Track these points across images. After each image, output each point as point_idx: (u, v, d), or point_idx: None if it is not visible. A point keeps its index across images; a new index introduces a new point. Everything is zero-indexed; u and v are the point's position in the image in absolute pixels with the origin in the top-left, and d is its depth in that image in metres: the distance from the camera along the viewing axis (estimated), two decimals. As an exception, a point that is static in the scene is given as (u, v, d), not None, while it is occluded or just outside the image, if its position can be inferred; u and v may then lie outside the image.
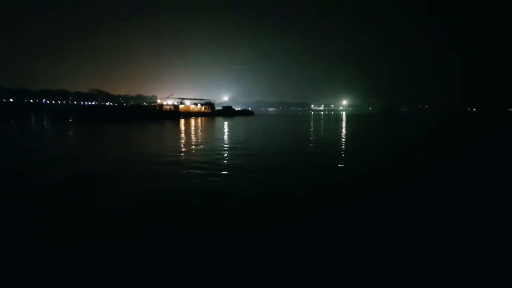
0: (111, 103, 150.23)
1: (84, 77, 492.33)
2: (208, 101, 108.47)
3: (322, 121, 71.65)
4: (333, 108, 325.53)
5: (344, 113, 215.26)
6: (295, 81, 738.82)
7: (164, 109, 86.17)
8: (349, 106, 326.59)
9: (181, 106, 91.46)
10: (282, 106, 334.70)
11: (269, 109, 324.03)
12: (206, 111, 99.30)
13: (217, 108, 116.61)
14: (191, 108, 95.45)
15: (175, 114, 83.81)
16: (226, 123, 56.78)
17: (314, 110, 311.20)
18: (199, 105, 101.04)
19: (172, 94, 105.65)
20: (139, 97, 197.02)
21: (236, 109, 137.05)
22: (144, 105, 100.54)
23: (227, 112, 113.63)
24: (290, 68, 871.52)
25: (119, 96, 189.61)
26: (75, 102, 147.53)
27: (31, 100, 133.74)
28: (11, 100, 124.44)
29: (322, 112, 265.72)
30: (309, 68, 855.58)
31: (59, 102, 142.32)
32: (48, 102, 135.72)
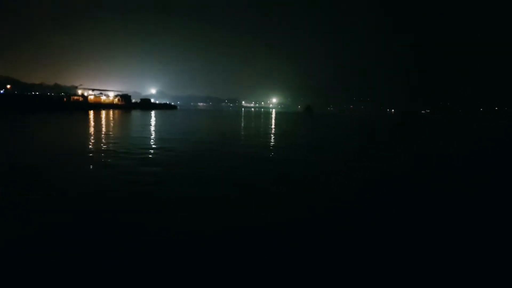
0: (25, 92, 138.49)
1: None
2: (124, 93, 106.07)
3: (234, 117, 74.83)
4: (263, 105, 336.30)
5: (273, 110, 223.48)
6: (227, 77, 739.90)
7: (72, 99, 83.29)
8: (278, 104, 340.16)
9: (91, 98, 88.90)
10: (213, 101, 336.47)
11: (199, 104, 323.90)
12: (119, 103, 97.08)
13: (135, 100, 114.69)
14: (102, 100, 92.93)
15: (84, 105, 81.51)
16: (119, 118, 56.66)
17: (245, 107, 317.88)
18: (111, 97, 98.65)
19: (81, 84, 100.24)
20: (57, 86, 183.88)
21: (157, 102, 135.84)
22: (46, 94, 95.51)
23: (145, 105, 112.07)
24: (222, 63, 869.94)
25: (34, 84, 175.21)
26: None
27: None
28: None
29: (252, 109, 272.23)
30: (241, 64, 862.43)
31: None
32: None
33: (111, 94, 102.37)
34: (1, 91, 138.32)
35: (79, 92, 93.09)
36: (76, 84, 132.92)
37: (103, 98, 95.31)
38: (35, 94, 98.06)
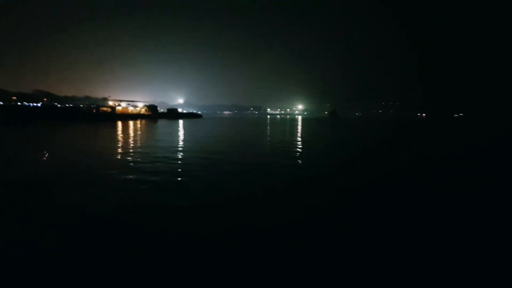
0: (57, 104, 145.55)
1: (27, 78, 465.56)
2: (151, 103, 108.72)
3: (267, 125, 74.40)
4: (289, 112, 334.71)
5: (299, 117, 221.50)
6: (252, 85, 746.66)
7: (101, 111, 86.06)
8: (304, 110, 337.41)
9: (119, 108, 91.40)
10: (238, 109, 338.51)
11: (224, 112, 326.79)
12: (146, 113, 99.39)
13: (162, 110, 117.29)
14: (129, 110, 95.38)
15: (112, 116, 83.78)
16: (156, 126, 57.90)
17: (270, 114, 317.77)
18: (138, 107, 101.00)
19: (110, 96, 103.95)
20: (88, 98, 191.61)
21: (183, 112, 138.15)
22: (76, 106, 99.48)
23: (171, 114, 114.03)
24: (247, 72, 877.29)
25: (66, 97, 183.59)
26: (18, 104, 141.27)
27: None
28: None
29: (278, 116, 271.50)
30: (266, 72, 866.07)
31: (1, 103, 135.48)
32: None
33: (140, 105, 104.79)
34: (39, 104, 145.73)
35: (110, 103, 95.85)
36: (105, 96, 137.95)
37: (131, 108, 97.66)
38: (68, 106, 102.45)
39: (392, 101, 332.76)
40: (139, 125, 57.34)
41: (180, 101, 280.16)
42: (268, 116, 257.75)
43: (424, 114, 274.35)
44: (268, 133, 41.32)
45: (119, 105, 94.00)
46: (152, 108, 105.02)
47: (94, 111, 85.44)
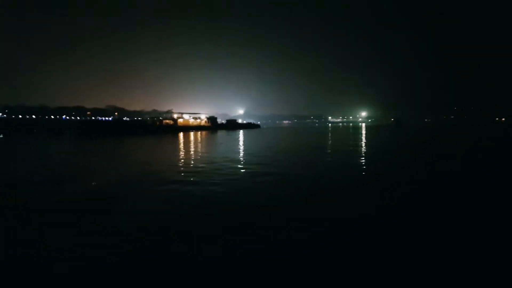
0: (127, 118, 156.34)
1: (101, 94, 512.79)
2: (211, 115, 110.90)
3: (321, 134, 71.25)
4: (351, 119, 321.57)
5: (363, 124, 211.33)
6: (312, 93, 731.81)
7: (164, 123, 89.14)
8: (368, 117, 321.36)
9: (180, 121, 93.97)
10: (298, 119, 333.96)
11: (284, 121, 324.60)
12: (206, 124, 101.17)
13: (221, 121, 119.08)
14: (190, 122, 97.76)
15: (174, 128, 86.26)
16: (214, 136, 57.90)
17: (332, 122, 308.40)
18: (199, 120, 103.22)
19: (171, 109, 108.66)
20: (154, 112, 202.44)
21: (242, 122, 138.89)
22: (143, 120, 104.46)
23: (230, 125, 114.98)
24: (308, 81, 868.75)
25: (135, 111, 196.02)
26: (93, 118, 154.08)
27: (52, 117, 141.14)
28: (33, 116, 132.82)
29: (340, 124, 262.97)
30: (326, 80, 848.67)
31: (78, 117, 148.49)
32: (68, 118, 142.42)
33: (202, 117, 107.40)
34: (110, 118, 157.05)
35: (175, 116, 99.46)
36: (170, 109, 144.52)
37: (191, 120, 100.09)
38: (135, 120, 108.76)
39: (465, 105, 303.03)
40: (199, 136, 58.37)
41: (241, 112, 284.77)
42: (329, 124, 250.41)
43: (503, 119, 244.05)
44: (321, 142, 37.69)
45: (181, 117, 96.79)
46: (212, 119, 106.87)
47: (158, 123, 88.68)
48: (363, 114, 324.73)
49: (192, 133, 73.76)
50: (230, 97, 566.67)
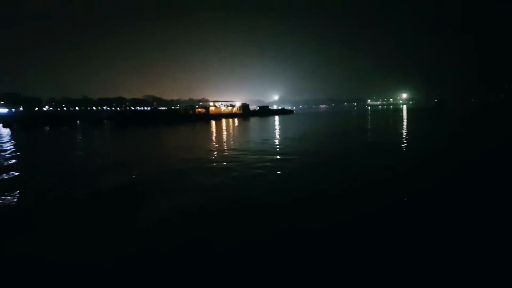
0: (164, 107, 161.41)
1: (139, 85, 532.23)
2: (243, 102, 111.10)
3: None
4: (391, 102, 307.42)
5: (404, 107, 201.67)
6: (350, 76, 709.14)
7: (196, 112, 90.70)
8: (409, 99, 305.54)
9: (212, 109, 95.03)
10: (335, 103, 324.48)
11: (321, 106, 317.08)
12: (237, 112, 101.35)
13: (253, 108, 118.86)
14: (222, 110, 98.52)
15: (206, 116, 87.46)
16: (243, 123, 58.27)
17: (370, 105, 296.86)
18: (230, 107, 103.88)
19: (206, 97, 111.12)
20: (190, 100, 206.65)
21: (276, 108, 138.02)
22: (176, 109, 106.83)
23: (262, 112, 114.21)
24: (345, 63, 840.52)
25: (173, 100, 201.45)
26: (132, 108, 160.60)
27: (94, 108, 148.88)
28: (77, 108, 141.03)
29: (379, 107, 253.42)
30: (364, 62, 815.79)
31: (118, 108, 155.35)
32: (108, 108, 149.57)
33: (237, 104, 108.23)
34: (149, 108, 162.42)
35: (210, 103, 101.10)
36: (205, 97, 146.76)
37: (223, 108, 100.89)
38: (169, 109, 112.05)
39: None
40: (230, 124, 59.89)
41: (275, 97, 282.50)
42: (369, 108, 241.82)
43: None
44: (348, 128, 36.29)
45: (213, 105, 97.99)
46: (243, 106, 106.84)
47: (191, 112, 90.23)
48: (404, 96, 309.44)
49: (224, 121, 74.43)
50: (265, 84, 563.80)
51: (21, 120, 78.29)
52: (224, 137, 30.30)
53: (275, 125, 48.39)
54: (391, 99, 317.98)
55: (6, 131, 51.82)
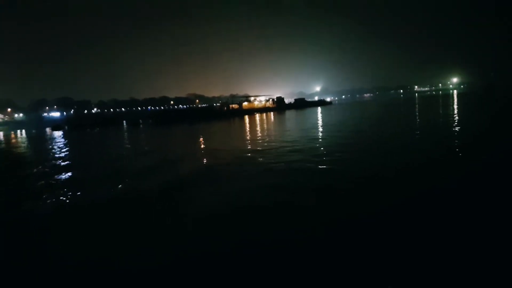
0: (206, 104, 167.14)
1: (182, 84, 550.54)
2: (278, 96, 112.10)
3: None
4: (441, 87, 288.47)
5: (455, 92, 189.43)
6: (395, 63, 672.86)
7: (230, 108, 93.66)
8: (460, 83, 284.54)
9: (245, 104, 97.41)
10: (381, 91, 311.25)
11: (365, 95, 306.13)
12: (271, 106, 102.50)
13: (289, 101, 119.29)
14: (255, 105, 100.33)
15: (239, 112, 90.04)
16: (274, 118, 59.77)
17: (418, 92, 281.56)
18: (263, 101, 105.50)
19: (236, 94, 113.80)
20: (232, 96, 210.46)
21: (312, 100, 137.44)
22: (213, 106, 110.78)
23: (299, 104, 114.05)
24: (389, 48, 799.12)
25: (214, 97, 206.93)
26: (175, 107, 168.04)
27: (139, 108, 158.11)
28: (123, 109, 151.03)
29: (428, 93, 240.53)
30: (409, 46, 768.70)
31: (162, 107, 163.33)
32: (152, 108, 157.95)
33: (268, 98, 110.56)
34: (190, 106, 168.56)
35: (251, 99, 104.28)
36: (246, 92, 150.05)
37: (256, 103, 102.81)
38: (206, 106, 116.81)
39: None
40: (259, 118, 61.75)
41: (317, 89, 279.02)
42: (416, 95, 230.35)
43: None
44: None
45: (246, 100, 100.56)
46: (277, 100, 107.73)
47: (225, 109, 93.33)
48: (454, 80, 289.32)
49: (257, 115, 75.87)
50: (308, 75, 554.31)
51: (70, 122, 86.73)
52: (243, 134, 32.50)
53: (308, 118, 50.13)
54: (440, 84, 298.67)
55: (59, 133, 58.29)
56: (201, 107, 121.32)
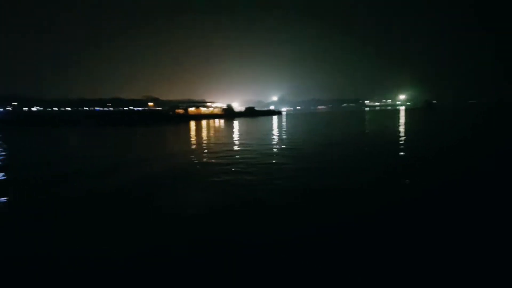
0: (160, 108, 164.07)
1: (140, 86, 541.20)
2: (228, 104, 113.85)
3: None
4: (390, 103, 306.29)
5: (402, 108, 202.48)
6: (350, 78, 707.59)
7: (176, 113, 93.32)
8: (407, 100, 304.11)
9: (191, 109, 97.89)
10: (335, 103, 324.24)
11: (319, 107, 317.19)
12: (218, 113, 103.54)
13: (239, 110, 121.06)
14: (201, 111, 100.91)
15: (185, 117, 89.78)
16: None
17: (369, 106, 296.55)
18: (211, 108, 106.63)
19: (202, 99, 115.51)
20: (189, 101, 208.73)
21: (268, 109, 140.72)
22: (158, 109, 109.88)
23: (249, 112, 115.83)
24: (345, 65, 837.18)
25: (169, 101, 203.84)
26: (130, 108, 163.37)
27: (86, 108, 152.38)
28: (68, 108, 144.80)
29: (377, 108, 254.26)
30: (365, 64, 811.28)
31: (111, 108, 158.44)
32: (101, 109, 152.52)
33: (236, 105, 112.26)
34: (141, 108, 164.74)
35: (208, 104, 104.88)
36: (203, 98, 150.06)
37: (203, 109, 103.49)
38: (153, 110, 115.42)
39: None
40: (204, 125, 59.65)
41: (274, 98, 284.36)
42: (367, 109, 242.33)
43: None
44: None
45: (195, 106, 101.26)
46: (228, 107, 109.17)
47: (171, 113, 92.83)
48: (402, 97, 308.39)
49: (204, 122, 75.48)
50: (267, 84, 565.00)
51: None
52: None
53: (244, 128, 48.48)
54: (389, 100, 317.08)
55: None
56: (150, 110, 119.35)
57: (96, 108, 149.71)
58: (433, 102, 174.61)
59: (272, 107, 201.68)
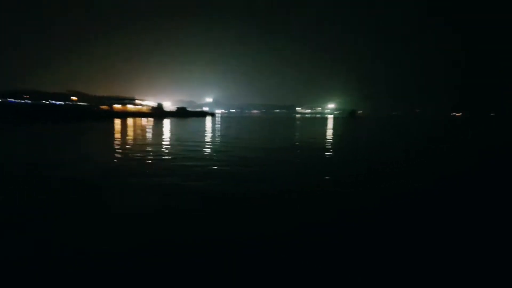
0: (86, 104, 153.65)
1: (64, 80, 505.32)
2: (158, 102, 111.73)
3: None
4: (319, 111, 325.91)
5: (331, 116, 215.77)
6: (283, 84, 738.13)
7: (100, 109, 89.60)
8: (336, 109, 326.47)
9: (117, 106, 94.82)
10: (267, 109, 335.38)
11: (253, 111, 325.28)
12: (147, 111, 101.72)
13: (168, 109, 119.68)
14: (128, 108, 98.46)
15: (110, 114, 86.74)
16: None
17: (300, 113, 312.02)
18: (139, 106, 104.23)
19: (132, 96, 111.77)
20: (117, 97, 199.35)
21: (194, 110, 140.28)
22: (83, 105, 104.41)
23: (180, 113, 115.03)
24: (278, 71, 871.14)
25: (95, 96, 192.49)
26: (50, 101, 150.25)
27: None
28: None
29: (307, 115, 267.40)
30: (297, 71, 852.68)
31: (29, 101, 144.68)
32: (17, 101, 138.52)
33: (169, 105, 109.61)
34: (62, 103, 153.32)
35: (137, 101, 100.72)
36: (133, 96, 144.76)
37: (130, 106, 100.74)
38: (73, 105, 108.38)
39: (433, 100, 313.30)
40: (129, 123, 57.35)
41: (209, 100, 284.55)
42: (297, 115, 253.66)
43: (459, 114, 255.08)
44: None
45: (118, 103, 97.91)
46: (158, 106, 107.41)
47: (95, 109, 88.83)
48: (331, 106, 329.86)
49: (130, 119, 73.34)
50: (201, 86, 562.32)
51: None
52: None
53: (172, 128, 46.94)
54: (319, 108, 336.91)
55: None
56: (73, 105, 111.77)
57: (9, 99, 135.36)
58: (359, 112, 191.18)
59: (206, 109, 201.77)
